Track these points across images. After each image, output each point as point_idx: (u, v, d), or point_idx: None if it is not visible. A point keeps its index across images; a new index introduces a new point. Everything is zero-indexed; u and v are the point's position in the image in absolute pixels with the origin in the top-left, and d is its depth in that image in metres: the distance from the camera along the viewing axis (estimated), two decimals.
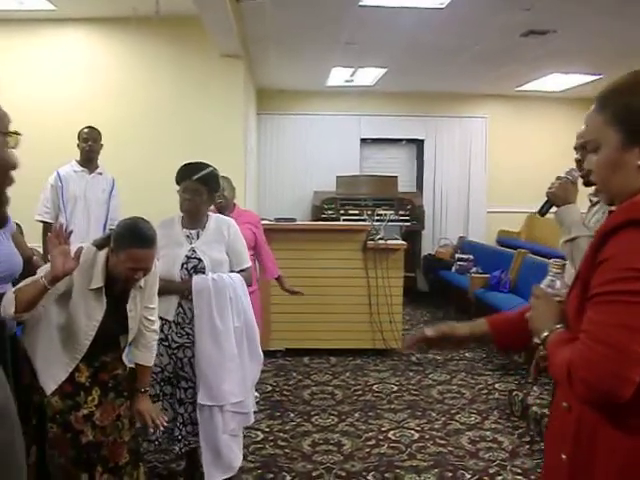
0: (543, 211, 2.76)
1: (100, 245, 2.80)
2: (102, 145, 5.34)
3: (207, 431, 3.35)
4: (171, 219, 3.56)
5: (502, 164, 10.14)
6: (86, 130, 5.28)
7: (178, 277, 3.41)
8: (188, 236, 3.49)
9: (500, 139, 10.17)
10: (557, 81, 8.63)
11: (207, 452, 3.36)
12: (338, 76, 8.43)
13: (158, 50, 6.41)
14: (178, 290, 3.41)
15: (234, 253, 3.53)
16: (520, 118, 10.24)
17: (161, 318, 3.48)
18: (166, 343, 3.47)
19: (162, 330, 3.49)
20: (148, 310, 2.99)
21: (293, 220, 6.75)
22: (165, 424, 3.08)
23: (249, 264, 3.64)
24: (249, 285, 3.62)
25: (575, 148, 2.85)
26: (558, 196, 2.66)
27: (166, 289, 3.41)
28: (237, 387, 3.38)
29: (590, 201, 2.80)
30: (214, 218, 3.58)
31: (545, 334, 1.55)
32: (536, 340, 1.60)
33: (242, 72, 6.52)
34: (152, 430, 3.19)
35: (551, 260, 1.87)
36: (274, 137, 9.87)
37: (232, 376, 3.36)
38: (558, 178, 2.71)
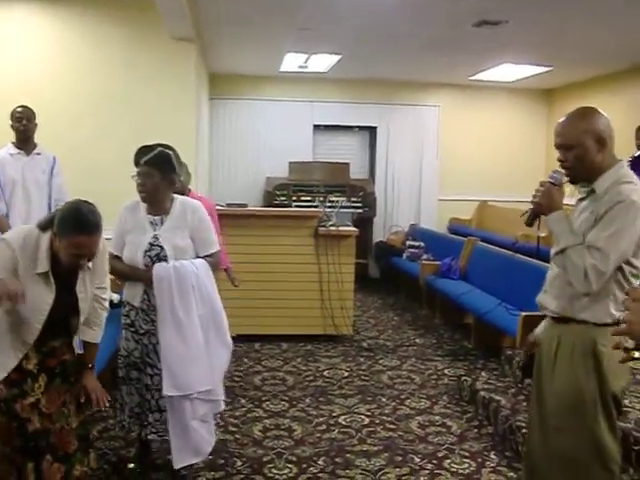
0: (529, 221, 2.62)
1: (43, 227, 2.71)
2: (37, 124, 5.16)
3: (175, 418, 3.32)
4: (136, 203, 3.48)
5: (454, 152, 10.26)
6: (19, 109, 5.08)
7: (142, 264, 3.35)
8: (152, 222, 3.41)
9: (452, 128, 10.27)
10: (509, 71, 8.74)
11: (175, 438, 3.32)
12: (292, 62, 8.38)
13: (109, 32, 6.27)
14: (141, 278, 3.36)
15: (199, 238, 3.45)
16: (472, 107, 10.36)
17: (128, 303, 3.44)
18: (133, 329, 3.44)
19: (129, 315, 3.46)
20: (100, 289, 2.94)
21: (245, 206, 6.71)
22: (107, 404, 3.01)
23: (217, 248, 3.54)
24: (216, 270, 3.56)
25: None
26: (543, 204, 2.54)
27: (130, 276, 3.37)
28: (204, 375, 3.33)
29: (578, 192, 2.68)
30: (179, 202, 3.48)
31: None
32: (628, 345, 1.47)
33: (194, 56, 6.44)
34: (102, 408, 3.14)
35: None
36: (227, 122, 9.78)
37: (198, 365, 3.31)
38: (542, 184, 2.57)
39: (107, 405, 3.02)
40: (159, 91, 6.33)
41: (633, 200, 2.39)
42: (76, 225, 2.60)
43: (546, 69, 8.42)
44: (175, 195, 3.49)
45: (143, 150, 3.39)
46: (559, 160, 2.58)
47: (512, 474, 3.68)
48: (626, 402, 4.08)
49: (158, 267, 3.31)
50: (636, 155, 6.33)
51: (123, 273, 3.43)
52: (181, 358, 3.27)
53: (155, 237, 3.38)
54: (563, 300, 2.56)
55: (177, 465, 3.36)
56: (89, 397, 2.92)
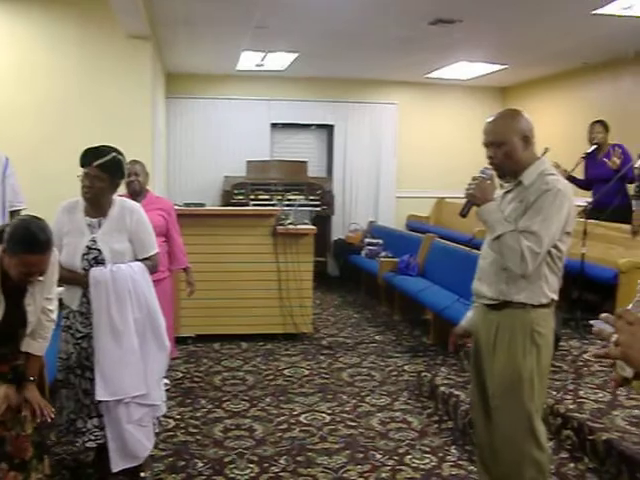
0: (464, 212, 2.82)
1: None
2: None
3: (111, 421, 3.28)
4: (75, 203, 3.41)
5: (411, 150, 10.32)
6: None
7: (80, 267, 3.29)
8: (90, 225, 3.35)
9: (409, 125, 10.33)
10: (464, 69, 8.82)
11: (112, 441, 3.29)
12: (248, 60, 8.34)
13: (63, 30, 6.18)
14: (79, 282, 3.30)
15: (137, 241, 3.40)
16: (429, 105, 10.44)
17: (67, 306, 3.38)
18: (71, 332, 3.37)
19: (68, 318, 3.39)
20: (47, 301, 2.88)
21: (202, 205, 6.67)
22: (52, 416, 2.96)
23: (155, 251, 3.51)
24: (153, 273, 3.52)
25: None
26: (476, 196, 2.72)
27: (68, 280, 3.30)
28: (138, 380, 3.29)
29: (501, 186, 2.89)
30: (118, 204, 3.42)
31: None
32: (626, 374, 1.43)
33: (150, 54, 6.37)
34: (47, 420, 3.08)
35: (639, 281, 1.72)
36: (184, 121, 9.71)
37: (132, 369, 3.27)
38: (474, 178, 2.76)
39: (52, 417, 2.96)
40: (115, 90, 6.26)
41: (559, 188, 2.64)
42: (26, 244, 2.55)
43: (501, 67, 8.53)
44: (114, 197, 3.43)
45: (93, 152, 3.30)
46: (488, 157, 2.80)
47: (472, 467, 3.71)
48: (581, 393, 4.18)
49: (95, 271, 3.26)
50: (589, 151, 6.45)
51: (61, 276, 3.33)
52: (115, 363, 3.23)
53: (93, 240, 3.32)
54: (500, 285, 2.74)
55: (114, 468, 3.32)
56: (32, 410, 2.85)
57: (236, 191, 9.14)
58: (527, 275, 2.63)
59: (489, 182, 2.76)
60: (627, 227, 6.07)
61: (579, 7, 5.63)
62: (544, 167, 2.75)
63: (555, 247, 2.67)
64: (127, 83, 6.26)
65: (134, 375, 3.28)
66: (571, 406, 3.99)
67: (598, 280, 5.83)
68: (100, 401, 3.26)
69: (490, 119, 2.83)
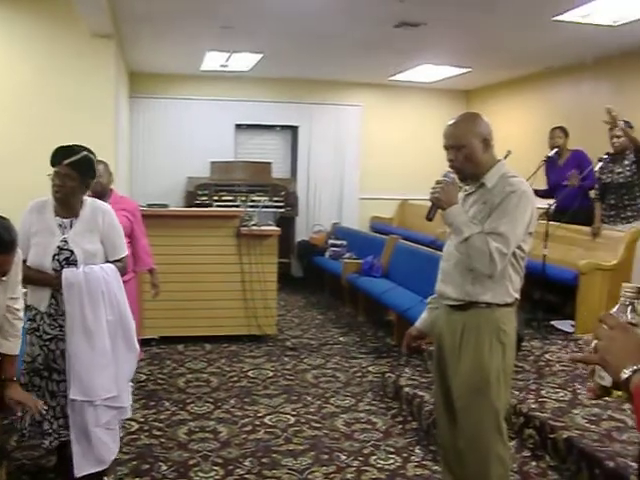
0: (430, 216, 2.82)
1: None
2: None
3: (77, 424, 3.24)
4: (43, 202, 3.36)
5: (375, 152, 10.36)
6: None
7: (50, 268, 3.24)
8: (60, 225, 3.30)
9: (374, 127, 10.37)
10: (429, 72, 8.88)
11: (77, 444, 3.24)
12: (213, 60, 8.30)
13: (25, 27, 6.07)
14: (49, 283, 3.25)
15: (109, 243, 3.37)
16: (393, 107, 10.49)
17: (33, 308, 3.33)
18: (38, 334, 3.31)
19: (34, 320, 3.33)
20: (13, 300, 2.85)
21: (166, 206, 6.61)
22: (45, 408, 2.93)
23: (125, 253, 3.49)
24: (124, 275, 3.50)
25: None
26: (442, 199, 2.73)
27: (38, 280, 3.25)
28: (109, 382, 3.26)
29: (461, 189, 2.90)
30: (89, 204, 3.38)
31: (628, 374, 1.22)
32: (605, 383, 1.33)
33: (113, 52, 6.30)
34: (42, 413, 3.04)
35: (623, 284, 1.67)
36: (147, 121, 9.61)
37: (104, 371, 3.24)
38: (438, 182, 2.77)
39: (45, 409, 2.94)
40: (77, 88, 6.18)
41: (523, 190, 2.68)
42: None
43: (465, 70, 8.61)
44: (85, 197, 3.40)
45: (65, 150, 3.27)
46: (449, 160, 2.82)
47: (437, 467, 3.74)
48: (542, 392, 4.25)
49: (68, 272, 3.21)
50: (550, 155, 6.55)
51: (29, 277, 3.25)
52: (88, 365, 3.19)
53: (64, 241, 3.27)
54: (465, 285, 2.76)
55: (78, 473, 3.26)
56: (23, 408, 2.83)
57: (200, 192, 9.09)
58: (495, 275, 2.66)
59: (452, 185, 2.78)
60: (587, 229, 6.19)
61: (540, 13, 5.72)
62: (505, 169, 2.79)
63: (519, 247, 2.70)
64: (90, 82, 6.18)
65: (106, 377, 3.25)
66: (533, 405, 4.05)
67: (559, 281, 5.93)
68: (66, 403, 3.22)
69: (450, 122, 2.85)
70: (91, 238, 3.32)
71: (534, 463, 3.68)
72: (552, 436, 3.69)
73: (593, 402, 4.13)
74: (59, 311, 3.27)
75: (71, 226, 3.31)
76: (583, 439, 3.57)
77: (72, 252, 3.26)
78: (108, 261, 3.37)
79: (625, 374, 1.20)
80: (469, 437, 2.78)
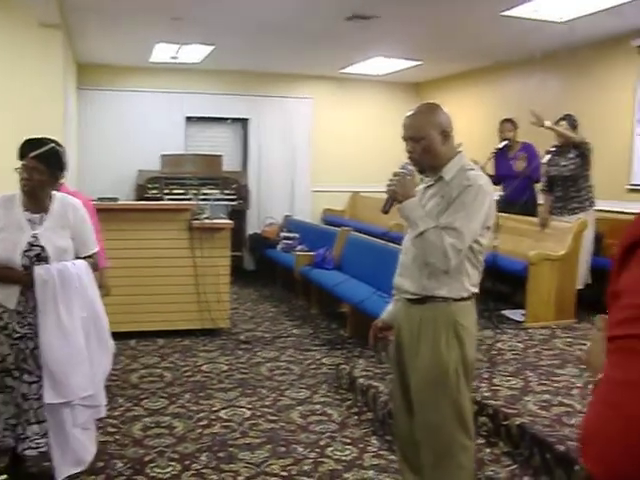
0: (386, 209, 2.79)
1: None
2: None
3: (55, 427, 3.18)
4: (11, 197, 3.28)
5: (327, 144, 10.38)
6: None
7: (19, 265, 3.17)
8: (30, 220, 3.23)
9: (325, 120, 10.39)
10: (380, 65, 8.92)
11: (56, 448, 3.19)
12: (163, 52, 8.20)
13: None
14: (19, 281, 3.18)
15: (80, 239, 3.32)
16: (344, 99, 10.52)
17: (2, 305, 3.25)
18: (7, 332, 3.22)
19: (2, 318, 3.25)
20: None
21: (116, 200, 6.51)
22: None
23: (96, 249, 3.44)
24: (95, 271, 3.44)
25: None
26: (398, 192, 2.71)
27: (6, 277, 3.17)
28: (86, 380, 3.21)
29: (422, 180, 2.89)
30: (59, 199, 3.32)
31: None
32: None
33: (60, 43, 6.17)
34: None
35: None
36: (96, 113, 9.44)
37: (80, 370, 3.19)
38: (395, 174, 2.75)
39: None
40: (24, 79, 6.03)
41: (480, 184, 2.66)
42: None
43: (416, 63, 8.68)
44: (54, 192, 3.34)
45: (32, 143, 3.21)
46: (408, 151, 2.81)
47: (393, 457, 3.78)
48: (495, 381, 4.32)
49: (40, 269, 3.15)
50: (500, 146, 6.67)
51: None
52: (63, 363, 3.14)
53: (34, 236, 3.21)
54: (422, 280, 2.73)
55: (60, 477, 3.22)
56: None
57: (150, 185, 8.99)
58: (450, 271, 2.64)
59: (410, 178, 2.75)
60: (537, 220, 6.31)
61: (489, 8, 5.80)
62: (464, 162, 2.77)
63: (476, 242, 2.69)
64: (37, 73, 6.04)
65: (82, 375, 3.20)
66: (486, 394, 4.12)
67: (510, 271, 6.04)
68: (43, 405, 3.16)
69: (409, 113, 2.82)
70: (62, 234, 3.26)
71: (488, 450, 3.75)
72: (505, 423, 3.77)
73: (544, 389, 4.23)
74: (28, 308, 3.20)
75: (41, 221, 3.25)
76: (535, 425, 3.65)
77: (43, 248, 3.20)
78: (78, 257, 3.32)
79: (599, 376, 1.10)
80: (429, 430, 2.77)
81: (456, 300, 2.71)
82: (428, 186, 2.84)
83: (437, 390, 2.72)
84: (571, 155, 6.09)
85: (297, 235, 8.93)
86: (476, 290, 2.79)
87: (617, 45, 7.01)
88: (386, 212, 2.80)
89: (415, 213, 2.67)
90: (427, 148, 2.73)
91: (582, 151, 6.02)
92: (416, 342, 2.77)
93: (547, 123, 6.00)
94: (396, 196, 2.72)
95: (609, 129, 7.10)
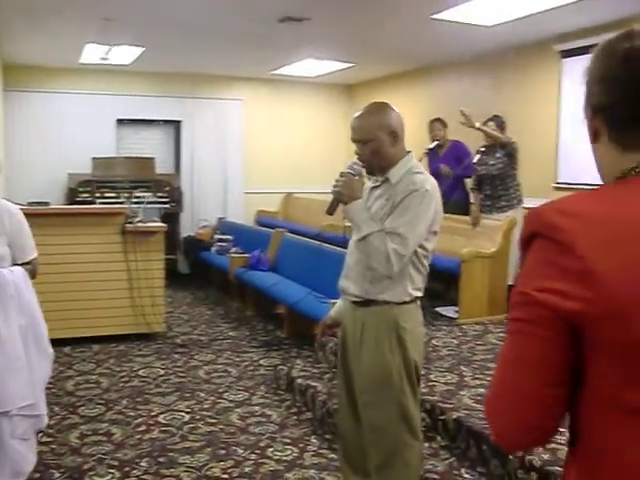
0: (331, 210, 2.72)
1: None
2: None
3: None
4: None
5: (259, 146, 10.40)
6: None
7: None
8: None
9: (256, 121, 10.40)
10: (312, 67, 8.96)
11: None
12: (93, 53, 8.05)
13: None
14: None
15: (17, 245, 3.25)
16: (275, 101, 10.54)
17: None
18: None
19: None
20: None
21: (47, 204, 6.38)
22: None
23: (34, 255, 3.37)
24: (34, 278, 3.37)
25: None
26: (343, 194, 2.64)
27: None
28: (25, 389, 3.14)
29: (369, 179, 2.86)
30: None
31: None
32: None
33: None
34: None
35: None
36: (24, 116, 9.19)
37: (18, 377, 3.10)
38: (342, 174, 2.68)
39: None
40: None
41: (426, 189, 2.61)
42: None
43: (348, 65, 8.75)
44: None
45: None
46: (357, 153, 2.75)
47: (333, 455, 3.83)
48: (431, 377, 4.41)
49: None
50: (431, 146, 6.80)
51: None
52: (0, 372, 3.07)
53: None
54: (364, 284, 2.70)
55: None
56: None
57: (81, 189, 8.82)
58: (393, 277, 2.61)
59: (357, 179, 2.69)
60: (468, 219, 6.46)
61: (419, 11, 5.91)
62: (412, 164, 2.73)
63: (421, 246, 2.66)
64: None
65: (20, 383, 3.12)
66: (424, 390, 4.19)
67: (443, 269, 6.16)
68: None
69: (357, 114, 2.75)
70: None
71: (427, 444, 3.82)
72: (442, 417, 3.86)
73: (478, 383, 4.34)
74: None
75: None
76: (471, 418, 3.75)
77: None
78: (16, 264, 3.24)
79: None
80: (375, 431, 2.76)
81: (399, 304, 2.69)
82: (375, 186, 2.80)
83: (381, 392, 2.71)
84: (499, 155, 6.26)
85: (231, 237, 8.91)
86: (420, 294, 2.76)
87: (541, 49, 7.24)
88: (331, 213, 2.73)
89: (360, 216, 2.62)
90: (375, 150, 2.67)
91: (509, 151, 6.19)
92: (359, 344, 2.76)
93: (476, 124, 6.15)
94: (341, 197, 2.66)
95: (536, 130, 7.32)
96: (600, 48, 1.11)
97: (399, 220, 2.57)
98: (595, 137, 1.15)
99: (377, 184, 2.78)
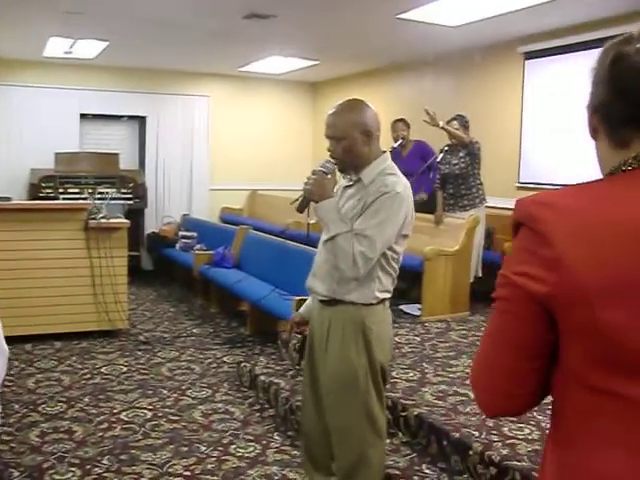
0: (301, 208, 2.68)
1: None
2: None
3: None
4: None
5: (225, 142, 10.38)
6: None
7: None
8: None
9: (223, 118, 10.38)
10: (277, 64, 8.97)
11: None
12: (56, 47, 7.96)
13: None
14: None
15: None
16: (242, 98, 10.54)
17: None
18: None
19: None
20: None
21: (9, 199, 6.30)
22: None
23: None
24: None
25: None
26: (314, 192, 2.60)
27: None
28: None
29: (343, 177, 2.81)
30: None
31: None
32: None
33: None
34: None
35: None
36: None
37: None
38: (314, 172, 2.62)
39: None
40: None
41: (397, 191, 2.56)
42: None
43: (313, 63, 8.78)
44: None
45: None
46: (329, 150, 2.68)
47: (295, 452, 3.85)
48: (393, 374, 4.45)
49: None
50: (395, 145, 6.85)
51: None
52: None
53: None
54: (332, 283, 2.68)
55: None
56: None
57: (44, 184, 8.71)
58: (359, 279, 2.59)
59: (329, 177, 2.63)
60: (431, 217, 6.52)
61: (385, 11, 5.95)
62: (386, 165, 2.67)
63: (390, 249, 2.62)
64: None
65: None
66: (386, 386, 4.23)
67: (406, 267, 6.19)
68: None
69: (331, 111, 2.67)
70: None
71: (388, 441, 3.83)
72: (404, 414, 3.89)
73: (440, 379, 4.39)
74: None
75: None
76: (432, 414, 3.80)
77: None
78: None
79: None
80: (340, 432, 2.75)
81: (366, 305, 2.66)
82: (348, 186, 2.75)
83: (347, 393, 2.70)
84: (462, 154, 6.33)
85: (195, 234, 8.88)
86: (387, 296, 2.73)
87: (505, 51, 7.33)
88: (301, 211, 2.70)
89: (329, 215, 2.58)
90: (348, 148, 2.62)
91: (472, 150, 6.27)
92: (325, 343, 2.74)
93: (440, 123, 6.21)
94: (312, 196, 2.61)
95: (499, 130, 7.42)
96: (601, 50, 1.19)
97: (368, 222, 2.53)
98: (594, 135, 1.22)
99: (350, 184, 2.73)
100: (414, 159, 6.82)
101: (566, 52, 6.64)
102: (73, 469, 3.69)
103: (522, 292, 1.12)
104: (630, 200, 1.08)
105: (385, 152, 2.73)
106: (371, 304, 2.66)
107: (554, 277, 1.07)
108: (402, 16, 6.03)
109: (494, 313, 1.20)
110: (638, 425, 1.07)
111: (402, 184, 2.62)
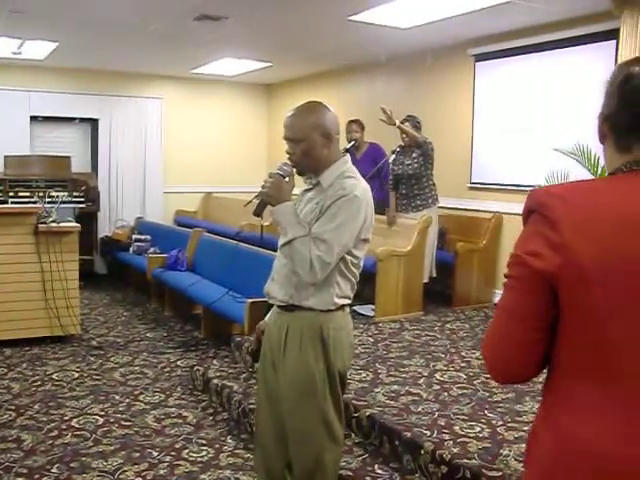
0: (258, 211, 2.63)
1: None
2: None
3: None
4: None
5: (178, 145, 10.32)
6: None
7: None
8: None
9: (176, 120, 10.31)
10: (230, 66, 8.97)
11: None
12: (4, 47, 7.81)
13: None
14: None
15: None
16: (195, 100, 10.50)
17: None
18: None
19: None
20: None
21: None
22: None
23: None
24: None
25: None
26: (271, 195, 2.55)
27: None
28: None
29: (305, 182, 2.76)
30: None
31: None
32: None
33: None
34: None
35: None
36: None
37: None
38: (271, 175, 2.58)
39: None
40: None
41: (356, 195, 2.51)
42: None
43: (265, 65, 8.77)
44: None
45: None
46: (287, 152, 2.64)
47: (249, 455, 3.84)
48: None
49: None
50: (348, 147, 6.86)
51: None
52: None
53: None
54: (290, 289, 2.63)
55: None
56: None
57: None
58: (316, 284, 2.54)
59: (287, 180, 2.59)
60: (384, 218, 6.56)
61: (336, 13, 5.98)
62: (345, 168, 2.63)
63: (350, 253, 2.57)
64: None
65: None
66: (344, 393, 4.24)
67: None
68: None
69: (290, 113, 2.62)
70: None
71: (349, 443, 3.87)
72: (356, 415, 3.91)
73: (392, 380, 4.42)
74: None
75: None
76: (384, 415, 3.82)
77: None
78: None
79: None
80: (297, 438, 2.71)
81: (324, 311, 2.61)
82: (307, 189, 2.72)
83: (304, 399, 2.65)
84: (415, 155, 6.38)
85: (149, 237, 8.79)
86: (347, 301, 2.68)
87: (456, 53, 7.42)
88: (258, 214, 2.63)
89: (286, 219, 2.54)
90: (306, 151, 2.57)
91: (425, 151, 6.32)
92: (283, 349, 2.69)
93: (397, 122, 6.26)
94: (269, 199, 2.56)
95: (451, 131, 7.50)
96: (616, 66, 1.43)
97: (326, 226, 2.49)
98: (603, 140, 1.42)
99: (310, 187, 2.70)
100: (367, 162, 6.84)
101: (515, 54, 6.76)
102: (20, 479, 3.62)
103: (531, 270, 1.30)
104: (627, 196, 1.30)
105: (345, 155, 2.69)
106: (330, 310, 2.61)
107: (559, 259, 1.27)
108: (353, 18, 6.07)
109: (506, 290, 1.39)
110: (619, 392, 1.27)
111: (361, 187, 2.58)
